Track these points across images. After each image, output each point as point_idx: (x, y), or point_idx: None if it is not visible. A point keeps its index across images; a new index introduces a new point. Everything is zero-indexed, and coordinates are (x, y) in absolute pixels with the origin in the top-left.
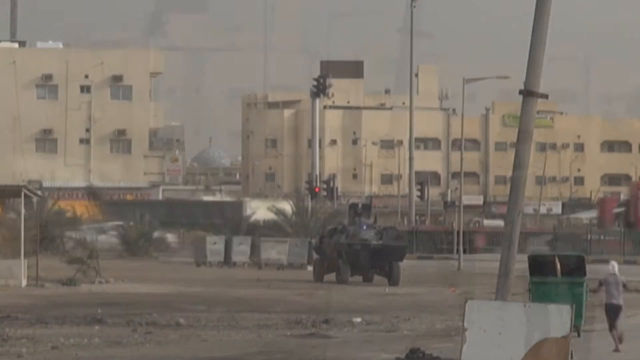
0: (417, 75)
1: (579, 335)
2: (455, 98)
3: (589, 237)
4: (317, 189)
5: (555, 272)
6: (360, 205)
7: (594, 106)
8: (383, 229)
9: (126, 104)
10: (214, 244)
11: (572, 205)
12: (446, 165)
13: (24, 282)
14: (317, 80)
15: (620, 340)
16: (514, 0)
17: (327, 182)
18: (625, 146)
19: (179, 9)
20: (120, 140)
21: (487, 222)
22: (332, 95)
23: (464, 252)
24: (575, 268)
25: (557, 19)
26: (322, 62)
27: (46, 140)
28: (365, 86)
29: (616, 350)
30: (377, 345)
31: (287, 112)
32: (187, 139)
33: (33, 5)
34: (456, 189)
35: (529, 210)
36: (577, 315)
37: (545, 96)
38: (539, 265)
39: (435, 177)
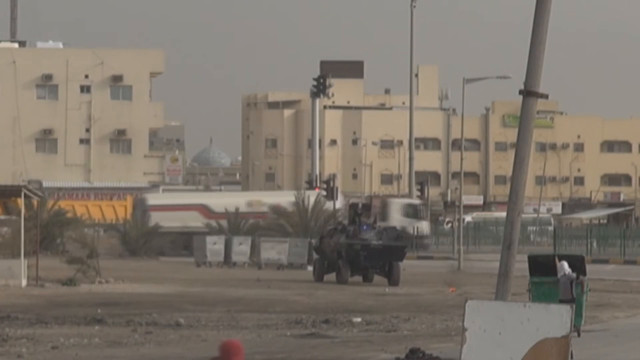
0: (417, 75)
1: (579, 335)
2: (455, 98)
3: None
4: (317, 189)
5: (555, 272)
6: (360, 205)
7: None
8: (383, 229)
9: (126, 104)
10: (214, 244)
11: (572, 205)
12: (446, 165)
13: (24, 282)
14: (317, 80)
15: (578, 333)
16: (514, 1)
17: (327, 182)
18: (625, 146)
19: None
20: (120, 140)
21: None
22: (332, 95)
23: None
24: (576, 268)
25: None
26: (322, 62)
27: (46, 140)
28: (365, 86)
29: None
30: (377, 345)
31: (287, 112)
32: (187, 139)
33: (33, 5)
34: (456, 189)
35: (529, 210)
36: (577, 315)
37: (546, 96)
38: (539, 265)
39: (435, 177)
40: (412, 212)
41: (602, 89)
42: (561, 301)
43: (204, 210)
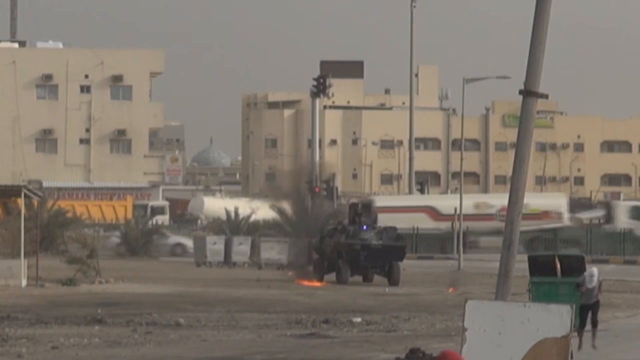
0: (417, 75)
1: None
2: (455, 98)
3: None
4: (317, 189)
5: (555, 272)
6: (360, 205)
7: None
8: (383, 229)
9: (126, 104)
10: (214, 244)
11: (572, 205)
12: (446, 165)
13: (24, 282)
14: (317, 80)
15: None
16: (514, 1)
17: (327, 182)
18: (625, 146)
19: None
20: (120, 140)
21: None
22: (332, 95)
23: None
24: (575, 268)
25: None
26: (322, 62)
27: (46, 140)
28: (365, 86)
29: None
30: (377, 345)
31: (287, 112)
32: (187, 139)
33: (33, 5)
34: (456, 189)
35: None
36: (577, 316)
37: (546, 96)
38: (539, 265)
39: (435, 177)
40: (639, 214)
41: (602, 89)
42: (586, 306)
43: (432, 212)
